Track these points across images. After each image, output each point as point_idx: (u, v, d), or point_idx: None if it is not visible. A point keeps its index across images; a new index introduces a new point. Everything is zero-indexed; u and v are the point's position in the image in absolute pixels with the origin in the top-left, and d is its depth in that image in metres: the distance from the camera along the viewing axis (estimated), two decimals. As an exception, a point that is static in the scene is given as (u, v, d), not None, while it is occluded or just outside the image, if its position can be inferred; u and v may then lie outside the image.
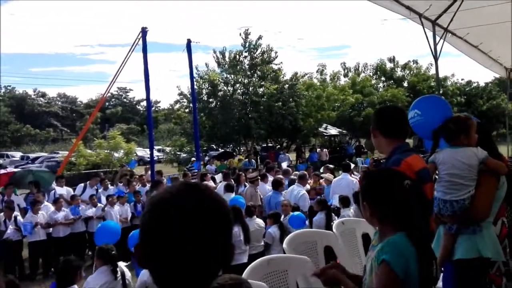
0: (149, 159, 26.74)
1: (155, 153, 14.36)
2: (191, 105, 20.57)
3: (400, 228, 1.65)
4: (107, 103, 52.50)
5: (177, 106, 23.84)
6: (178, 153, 22.48)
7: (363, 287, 1.77)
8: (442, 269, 2.58)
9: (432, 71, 29.96)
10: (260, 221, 5.65)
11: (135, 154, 21.12)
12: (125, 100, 59.24)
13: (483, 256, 2.39)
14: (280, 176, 8.29)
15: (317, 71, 31.23)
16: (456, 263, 2.46)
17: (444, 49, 6.93)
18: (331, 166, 10.27)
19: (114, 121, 48.74)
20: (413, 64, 32.40)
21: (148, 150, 31.86)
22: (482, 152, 2.46)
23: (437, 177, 2.62)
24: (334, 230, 3.03)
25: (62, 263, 3.68)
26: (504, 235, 2.82)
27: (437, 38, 6.83)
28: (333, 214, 6.11)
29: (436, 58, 6.89)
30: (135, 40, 10.59)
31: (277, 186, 6.85)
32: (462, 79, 39.31)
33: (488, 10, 6.12)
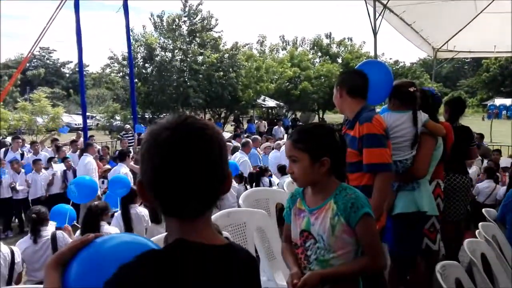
0: (76, 126, 25.12)
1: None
2: (124, 69, 19.66)
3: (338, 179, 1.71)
4: (27, 64, 48.00)
5: (108, 70, 22.44)
6: (111, 120, 21.46)
7: (313, 251, 1.69)
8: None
9: (365, 49, 31.39)
10: None
11: (61, 120, 19.75)
12: (48, 61, 54.52)
13: (420, 210, 2.66)
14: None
15: (257, 42, 31.19)
16: (396, 216, 2.70)
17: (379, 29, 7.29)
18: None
19: (36, 84, 44.84)
20: (348, 41, 33.59)
21: (75, 117, 29.76)
22: (424, 115, 2.69)
23: None
24: (284, 188, 3.18)
25: None
26: (437, 195, 3.15)
27: (377, 14, 7.15)
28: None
29: (375, 33, 7.23)
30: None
31: None
32: (390, 59, 41.82)
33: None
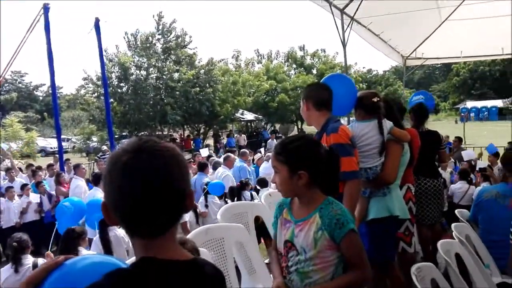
0: (52, 150, 24.44)
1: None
2: (99, 89, 19.50)
3: (324, 192, 1.72)
4: (-2, 89, 46.93)
5: (83, 91, 22.18)
6: (87, 142, 21.13)
7: (294, 262, 1.70)
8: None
9: (338, 59, 32.00)
10: None
11: (36, 144, 19.33)
12: (20, 85, 53.38)
13: (392, 214, 2.73)
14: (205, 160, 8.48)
15: (232, 57, 31.44)
16: (370, 222, 2.77)
17: (349, 40, 7.49)
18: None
19: (9, 108, 43.74)
20: (322, 52, 34.23)
21: (50, 140, 29.11)
22: (389, 123, 2.79)
23: None
24: (262, 201, 3.22)
25: None
26: (408, 199, 3.24)
27: (345, 27, 7.36)
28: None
29: (344, 45, 7.43)
30: (36, 18, 9.62)
31: (202, 168, 7.02)
32: (363, 67, 42.97)
33: (389, 0, 6.75)
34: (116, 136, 20.23)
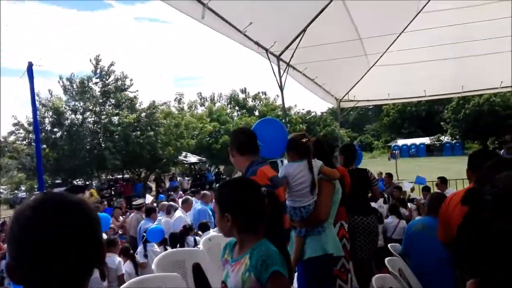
0: (-26, 201, 22.27)
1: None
2: (30, 135, 18.36)
3: (259, 234, 1.73)
4: None
5: (12, 138, 20.78)
6: (15, 191, 19.55)
7: None
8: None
9: (279, 101, 33.25)
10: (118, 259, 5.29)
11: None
12: None
13: (327, 253, 2.79)
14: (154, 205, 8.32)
15: (175, 100, 31.45)
16: (307, 261, 2.80)
17: (288, 82, 7.86)
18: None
19: None
20: (263, 95, 35.42)
21: (-27, 191, 26.69)
22: (319, 162, 2.91)
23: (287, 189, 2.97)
24: (201, 246, 3.14)
25: None
26: (342, 236, 3.34)
27: (282, 72, 7.72)
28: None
29: (281, 89, 7.75)
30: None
31: (149, 213, 6.90)
32: (303, 109, 44.99)
33: (321, 48, 7.26)
34: (48, 184, 18.93)
